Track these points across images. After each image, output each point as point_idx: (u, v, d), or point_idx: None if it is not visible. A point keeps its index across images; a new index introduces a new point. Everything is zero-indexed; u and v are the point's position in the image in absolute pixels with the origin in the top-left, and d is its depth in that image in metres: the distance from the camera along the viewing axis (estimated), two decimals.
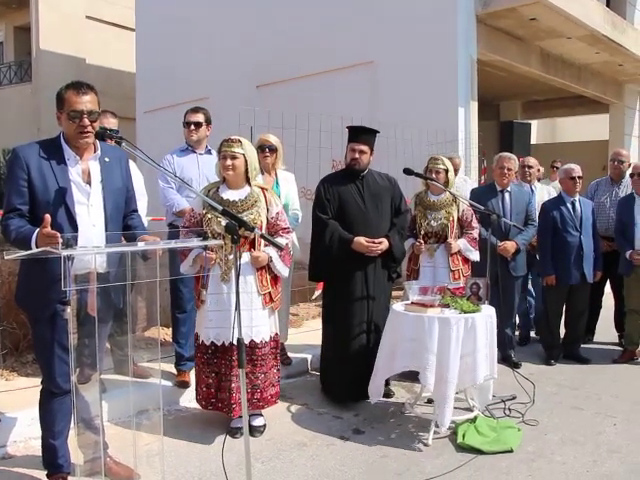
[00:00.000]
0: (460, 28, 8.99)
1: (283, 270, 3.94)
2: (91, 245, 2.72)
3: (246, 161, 3.81)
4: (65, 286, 2.35)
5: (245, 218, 3.73)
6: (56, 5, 18.17)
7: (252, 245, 3.80)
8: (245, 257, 3.78)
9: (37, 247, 2.58)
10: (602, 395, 4.72)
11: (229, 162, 3.77)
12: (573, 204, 5.57)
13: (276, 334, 4.02)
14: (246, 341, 3.80)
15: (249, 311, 3.79)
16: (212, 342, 3.81)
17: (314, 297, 7.00)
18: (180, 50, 12.85)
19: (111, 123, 4.34)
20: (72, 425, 3.04)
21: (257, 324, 3.84)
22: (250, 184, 3.89)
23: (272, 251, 3.81)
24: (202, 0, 12.48)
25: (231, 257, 3.72)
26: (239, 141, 3.81)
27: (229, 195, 3.84)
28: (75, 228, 2.83)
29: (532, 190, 6.27)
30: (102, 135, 2.84)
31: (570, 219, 5.51)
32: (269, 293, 3.89)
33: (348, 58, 10.01)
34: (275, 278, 3.96)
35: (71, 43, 18.31)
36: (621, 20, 10.86)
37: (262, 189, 3.95)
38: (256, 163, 3.92)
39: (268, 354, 3.92)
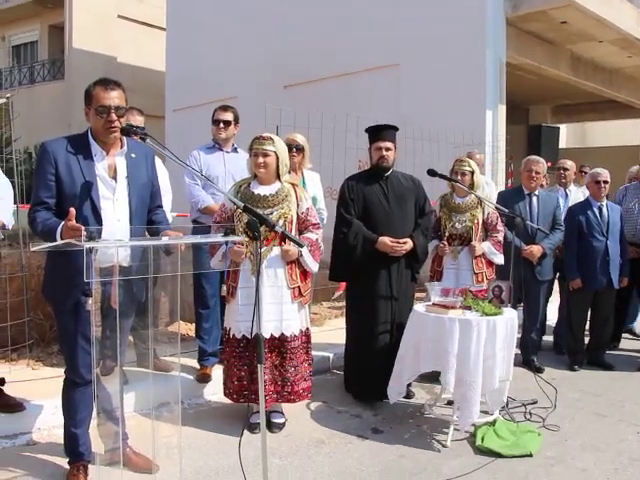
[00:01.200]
0: (489, 30, 8.94)
1: (313, 265, 3.98)
2: (114, 239, 2.77)
3: (277, 158, 3.86)
4: (87, 278, 2.40)
5: (276, 212, 3.81)
6: (89, 4, 18.47)
7: (283, 239, 3.82)
8: (275, 251, 3.83)
9: (62, 239, 2.64)
10: (626, 403, 4.65)
11: (261, 160, 3.82)
12: (600, 209, 5.50)
13: (307, 329, 4.05)
14: (276, 334, 3.86)
15: (279, 304, 3.84)
16: (243, 335, 3.85)
17: (334, 297, 7.01)
18: (209, 50, 12.96)
19: (137, 120, 4.40)
20: (94, 415, 3.10)
21: (287, 317, 3.87)
22: (280, 180, 3.93)
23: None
24: (232, 1, 12.57)
25: (262, 250, 3.75)
26: (271, 138, 3.86)
27: (260, 190, 3.88)
28: (100, 222, 2.88)
29: (567, 194, 6.21)
30: (128, 131, 2.89)
31: (597, 224, 5.44)
32: (298, 287, 3.92)
33: (374, 60, 10.01)
34: (305, 273, 3.99)
35: (103, 42, 18.59)
36: None
37: (292, 185, 3.99)
38: (287, 160, 3.97)
39: (299, 348, 3.95)
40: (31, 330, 4.78)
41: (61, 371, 3.23)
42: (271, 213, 3.81)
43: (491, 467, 3.50)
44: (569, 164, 6.40)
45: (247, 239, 3.63)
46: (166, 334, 5.40)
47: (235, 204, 2.96)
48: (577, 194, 6.43)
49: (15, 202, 4.79)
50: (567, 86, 11.61)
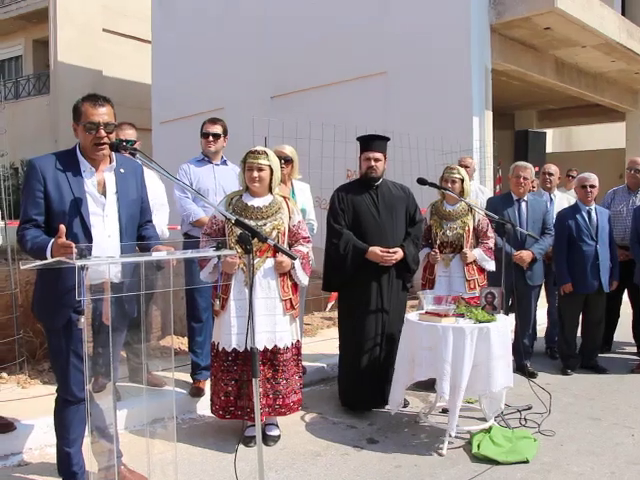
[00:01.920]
0: (474, 38, 9.00)
1: (303, 278, 3.98)
2: (105, 255, 2.75)
3: (271, 171, 3.86)
4: (79, 296, 2.37)
5: (270, 224, 3.82)
6: (74, 19, 18.43)
7: (276, 251, 3.81)
8: (269, 262, 3.83)
9: (52, 257, 2.61)
10: (620, 405, 4.67)
11: (256, 174, 3.82)
12: (589, 213, 5.53)
13: (298, 341, 4.05)
14: (269, 346, 3.85)
15: (272, 316, 3.83)
16: (234, 349, 3.82)
17: (328, 309, 7.00)
18: (195, 62, 12.97)
19: (128, 135, 4.38)
20: (87, 433, 3.06)
21: (280, 329, 3.86)
22: (272, 192, 3.94)
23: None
24: (217, 12, 12.59)
25: (255, 262, 3.75)
26: (265, 152, 3.87)
27: (254, 202, 3.89)
28: (90, 239, 2.86)
29: (551, 198, 6.24)
30: (117, 146, 2.88)
31: (586, 228, 5.47)
32: (290, 300, 3.92)
33: (362, 68, 10.05)
34: (295, 285, 3.99)
35: (88, 56, 18.55)
36: (636, 28, 10.80)
37: (284, 198, 4.00)
38: (279, 173, 3.98)
39: (290, 360, 3.94)
40: (21, 348, 4.73)
41: (52, 389, 3.20)
42: (264, 224, 3.81)
43: (488, 474, 3.49)
44: (553, 169, 6.43)
45: (240, 251, 3.63)
46: (158, 348, 5.36)
47: (227, 218, 2.95)
48: (561, 199, 6.46)
49: (3, 218, 4.76)
50: (552, 91, 11.70)
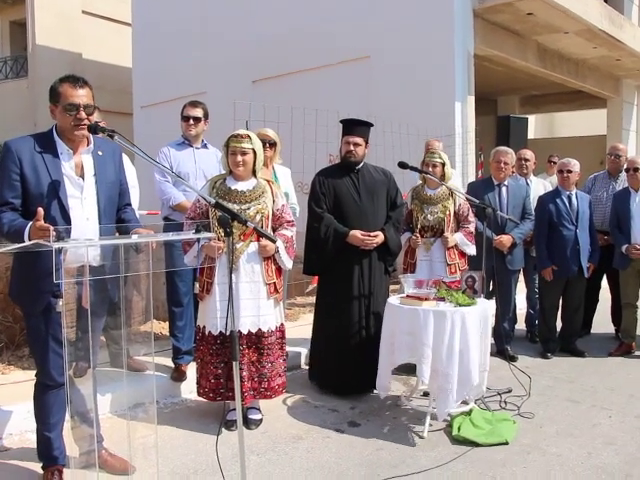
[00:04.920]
0: (457, 23, 8.97)
1: (287, 262, 3.99)
2: (84, 238, 2.72)
3: (255, 155, 3.84)
4: (57, 279, 2.35)
5: (253, 207, 3.81)
6: (52, 0, 18.09)
7: (259, 234, 3.80)
8: (253, 246, 3.82)
9: (30, 240, 2.58)
10: (598, 388, 4.73)
11: (240, 158, 3.80)
12: (569, 198, 5.57)
13: (282, 324, 4.06)
14: (253, 330, 3.86)
15: (256, 300, 3.84)
16: (220, 332, 3.82)
17: (308, 291, 7.00)
18: (176, 45, 12.81)
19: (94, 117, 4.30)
20: (67, 418, 3.05)
21: (264, 313, 3.88)
22: (256, 176, 3.92)
23: (279, 242, 3.83)
24: None
25: (239, 246, 3.74)
26: (248, 136, 3.85)
27: (238, 186, 3.87)
28: (68, 221, 2.83)
29: (528, 184, 6.27)
30: (95, 129, 2.84)
31: (566, 212, 5.52)
32: (274, 283, 3.92)
33: (344, 53, 9.99)
34: (279, 269, 3.99)
35: (67, 38, 18.24)
36: (618, 15, 10.83)
37: (268, 182, 3.99)
38: (262, 156, 3.97)
39: (274, 343, 3.95)
40: (0, 334, 4.68)
41: (32, 374, 3.18)
42: (248, 208, 3.80)
43: (469, 456, 3.53)
44: (529, 154, 6.44)
45: (222, 235, 3.61)
46: (139, 333, 5.33)
47: (206, 200, 2.93)
48: (537, 184, 6.48)
49: None
50: (534, 77, 11.72)
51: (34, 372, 3.10)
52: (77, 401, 3.02)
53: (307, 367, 5.11)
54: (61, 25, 18.19)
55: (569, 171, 5.56)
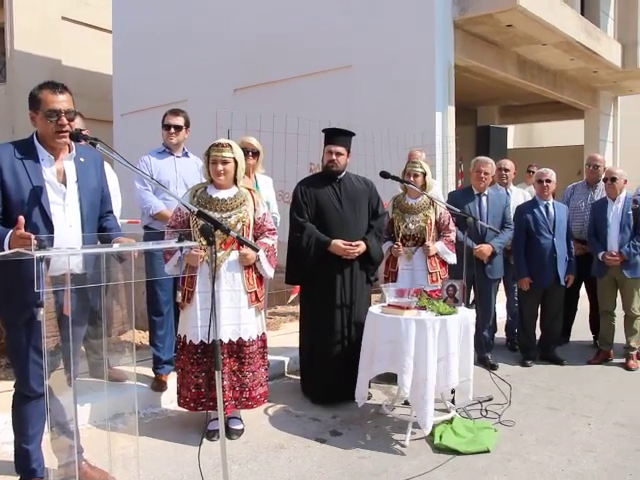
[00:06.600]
0: (438, 34, 9.05)
1: (269, 270, 3.97)
2: (68, 246, 2.69)
3: (236, 164, 3.83)
4: (38, 288, 2.32)
5: (234, 216, 3.80)
6: (31, 5, 17.92)
7: (241, 243, 3.79)
8: (234, 255, 3.81)
9: (10, 249, 2.55)
10: (577, 395, 4.78)
11: (220, 167, 3.79)
12: (547, 207, 5.64)
13: (263, 333, 4.04)
14: (234, 339, 3.84)
15: (237, 309, 3.82)
16: (202, 341, 3.80)
17: (290, 301, 6.99)
18: (157, 53, 12.78)
19: (77, 123, 4.27)
20: (46, 429, 3.00)
21: (245, 322, 3.86)
22: (237, 184, 3.92)
23: (260, 251, 3.82)
24: (179, 2, 12.42)
25: (220, 254, 3.73)
26: (229, 145, 3.84)
27: (219, 194, 3.86)
28: (51, 229, 2.80)
29: (508, 193, 6.32)
30: (77, 136, 2.82)
31: (543, 222, 5.58)
32: (255, 292, 3.91)
33: (326, 62, 10.03)
34: (260, 278, 3.98)
35: (47, 44, 18.07)
36: (595, 28, 11.02)
37: (249, 190, 3.98)
38: (244, 165, 3.97)
39: (256, 352, 3.93)
40: None
41: (10, 385, 3.12)
42: (229, 217, 3.79)
43: (450, 464, 3.55)
44: (509, 164, 6.50)
45: (203, 243, 3.59)
46: (119, 343, 5.29)
47: (188, 209, 2.92)
48: (517, 194, 6.54)
49: None
50: (514, 88, 11.86)
51: (12, 382, 3.05)
52: (57, 411, 2.97)
53: (289, 376, 5.11)
54: (41, 31, 18.03)
55: (548, 180, 5.64)
